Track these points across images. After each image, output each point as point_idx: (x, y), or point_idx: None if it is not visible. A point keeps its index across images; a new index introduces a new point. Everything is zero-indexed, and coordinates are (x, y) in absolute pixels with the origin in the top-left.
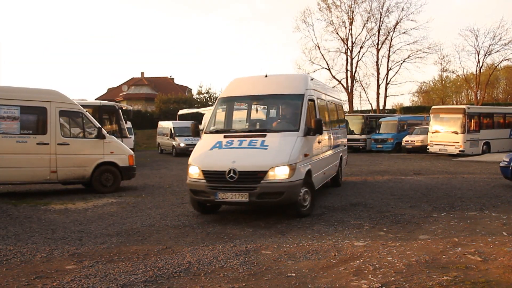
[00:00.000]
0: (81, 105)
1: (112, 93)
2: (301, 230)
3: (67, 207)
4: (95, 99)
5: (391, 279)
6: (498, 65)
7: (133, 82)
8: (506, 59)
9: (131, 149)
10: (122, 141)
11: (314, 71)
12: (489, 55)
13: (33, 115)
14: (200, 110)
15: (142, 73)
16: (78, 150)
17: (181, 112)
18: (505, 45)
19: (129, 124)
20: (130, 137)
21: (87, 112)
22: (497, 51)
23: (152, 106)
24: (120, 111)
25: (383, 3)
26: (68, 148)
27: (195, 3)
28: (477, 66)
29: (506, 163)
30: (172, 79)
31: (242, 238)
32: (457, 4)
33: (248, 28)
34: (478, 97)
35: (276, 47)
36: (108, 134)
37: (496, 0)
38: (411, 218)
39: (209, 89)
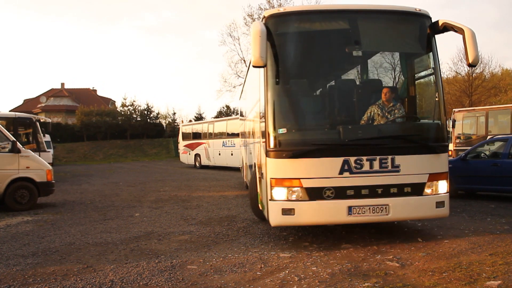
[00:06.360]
0: None
1: (29, 104)
2: (227, 243)
3: None
4: (10, 111)
5: None
6: None
7: (52, 94)
8: None
9: (49, 163)
10: (39, 155)
11: (240, 84)
12: None
13: None
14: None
15: (63, 84)
16: None
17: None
18: None
19: (47, 137)
20: (48, 151)
21: None
22: None
23: (73, 119)
24: (38, 123)
25: None
26: None
27: (101, 12)
28: None
29: None
30: (95, 90)
31: (167, 254)
32: None
33: (159, 39)
34: None
35: (193, 59)
36: (23, 148)
37: None
38: (334, 228)
39: (134, 101)
